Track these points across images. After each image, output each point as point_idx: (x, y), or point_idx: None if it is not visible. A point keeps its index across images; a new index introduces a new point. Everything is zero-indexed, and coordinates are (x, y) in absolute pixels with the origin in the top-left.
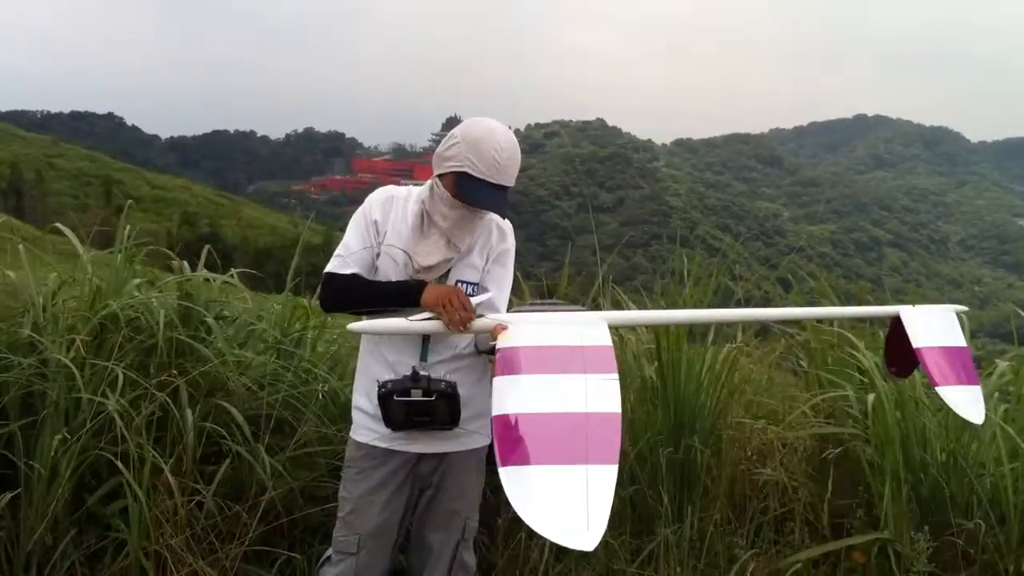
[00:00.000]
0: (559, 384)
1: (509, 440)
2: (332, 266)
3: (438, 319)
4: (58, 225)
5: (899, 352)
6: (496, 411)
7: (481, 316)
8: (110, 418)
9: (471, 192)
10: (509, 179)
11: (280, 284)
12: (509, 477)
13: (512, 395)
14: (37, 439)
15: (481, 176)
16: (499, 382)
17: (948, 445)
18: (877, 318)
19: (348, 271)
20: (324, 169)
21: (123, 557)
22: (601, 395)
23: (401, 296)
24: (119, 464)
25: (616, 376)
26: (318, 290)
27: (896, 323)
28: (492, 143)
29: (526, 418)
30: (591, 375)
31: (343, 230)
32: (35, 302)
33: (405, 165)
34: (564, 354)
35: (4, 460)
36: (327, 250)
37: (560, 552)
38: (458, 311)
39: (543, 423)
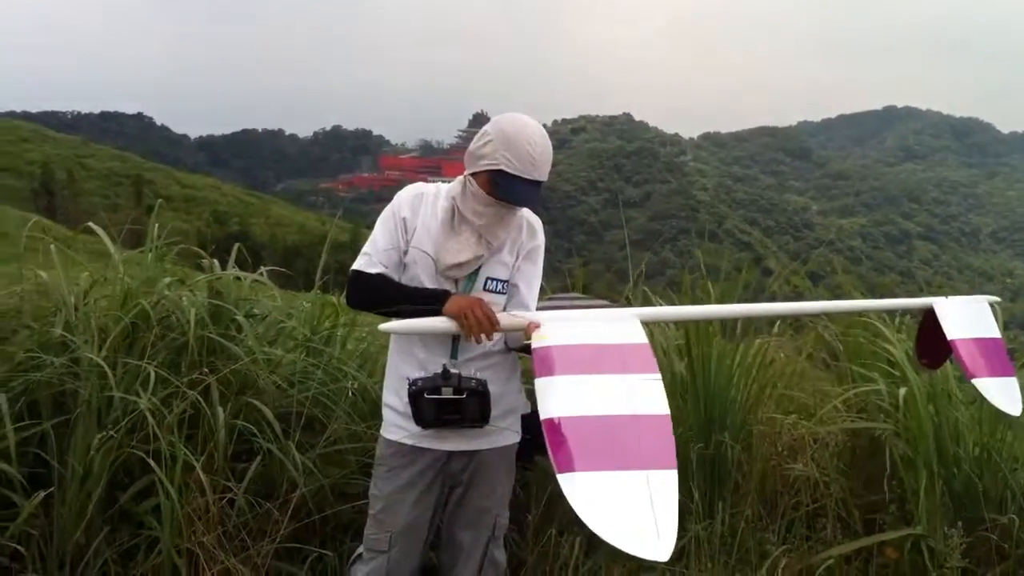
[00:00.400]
0: (601, 384)
1: (561, 445)
2: (359, 264)
3: None
4: (90, 225)
5: (931, 343)
6: (543, 415)
7: (512, 314)
8: (142, 416)
9: (507, 189)
10: (543, 174)
11: (309, 282)
12: (570, 485)
13: (554, 397)
14: (70, 438)
15: (516, 172)
16: (540, 384)
17: (981, 439)
18: (911, 311)
19: (374, 270)
20: (352, 167)
21: (156, 555)
22: (647, 396)
23: (425, 303)
24: (151, 462)
25: (659, 376)
26: (346, 287)
27: (929, 315)
28: (526, 138)
29: (576, 421)
30: (631, 375)
31: (370, 227)
32: (67, 301)
33: (433, 162)
34: (599, 352)
35: (37, 459)
36: (355, 247)
37: (590, 548)
38: (480, 323)
39: (593, 426)
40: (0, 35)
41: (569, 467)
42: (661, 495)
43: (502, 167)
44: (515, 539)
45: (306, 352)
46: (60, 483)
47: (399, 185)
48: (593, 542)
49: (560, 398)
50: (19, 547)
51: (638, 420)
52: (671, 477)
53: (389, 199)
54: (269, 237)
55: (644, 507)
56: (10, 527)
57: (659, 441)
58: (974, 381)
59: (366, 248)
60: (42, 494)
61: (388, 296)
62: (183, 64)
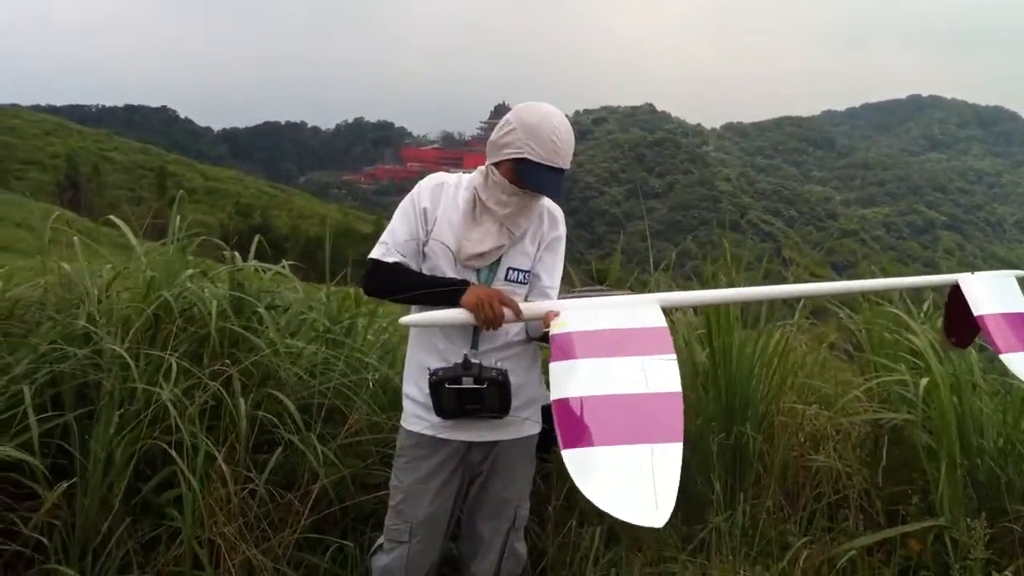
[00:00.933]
0: (617, 367)
1: (570, 424)
2: (376, 253)
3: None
4: (112, 217)
5: (958, 321)
6: (555, 395)
7: (531, 303)
8: (164, 407)
9: (531, 177)
10: (566, 161)
11: (331, 274)
12: (572, 460)
13: (570, 380)
14: (92, 429)
15: (540, 160)
16: (555, 368)
17: (1005, 430)
18: (937, 287)
19: (392, 259)
20: (374, 159)
21: (177, 545)
22: (661, 375)
23: (443, 293)
24: (173, 453)
25: (674, 357)
26: (363, 276)
27: (955, 292)
28: (549, 126)
29: (587, 401)
30: (648, 357)
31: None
32: (90, 293)
33: (454, 154)
34: (618, 337)
35: (60, 450)
36: (377, 239)
37: (611, 539)
38: (497, 315)
39: (604, 405)
40: (25, 30)
41: (573, 444)
42: (663, 466)
43: (525, 155)
44: (536, 530)
45: (326, 343)
46: (83, 474)
47: (421, 177)
48: (614, 533)
49: (573, 380)
50: (42, 538)
51: (648, 398)
52: (675, 449)
53: (411, 191)
54: (291, 229)
55: (646, 478)
56: (33, 518)
57: (668, 416)
58: (1003, 356)
59: (384, 237)
60: (64, 485)
61: (405, 285)
62: (206, 56)
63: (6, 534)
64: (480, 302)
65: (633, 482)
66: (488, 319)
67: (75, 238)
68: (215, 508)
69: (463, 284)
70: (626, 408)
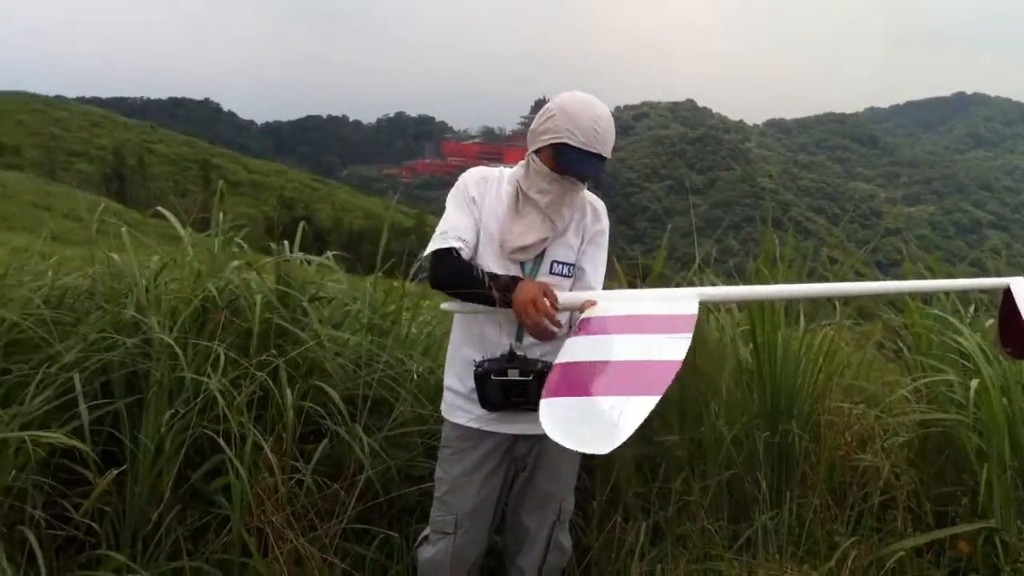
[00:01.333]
0: (629, 341)
1: (554, 380)
2: (437, 244)
3: None
4: (160, 208)
5: (1014, 329)
6: (558, 360)
7: (571, 293)
8: (212, 397)
9: (571, 161)
10: (607, 148)
11: (373, 266)
12: (547, 408)
13: (577, 349)
14: (142, 417)
15: (580, 145)
16: (570, 340)
17: None
18: (986, 291)
19: (455, 244)
20: (415, 153)
21: (226, 532)
22: (668, 348)
23: (500, 291)
24: (221, 442)
25: (689, 336)
26: (426, 268)
27: (1007, 297)
28: (590, 113)
29: (584, 365)
30: (664, 335)
31: (435, 213)
32: (138, 283)
33: (495, 149)
34: (644, 320)
35: (110, 437)
36: (419, 233)
37: (656, 535)
38: (537, 325)
39: (592, 368)
40: (70, 21)
41: (552, 394)
42: (630, 409)
43: (565, 140)
44: (580, 525)
45: (371, 335)
46: (132, 461)
47: (462, 171)
48: (659, 529)
49: (579, 349)
50: (93, 523)
51: (646, 364)
52: (650, 401)
53: (452, 185)
54: (333, 222)
55: (609, 416)
56: (84, 504)
57: (656, 377)
58: None
59: (442, 228)
60: (115, 472)
61: (466, 281)
62: (249, 52)
63: (59, 519)
64: (524, 307)
65: (596, 419)
66: (528, 328)
67: (123, 229)
68: (263, 497)
69: (514, 282)
70: (620, 371)
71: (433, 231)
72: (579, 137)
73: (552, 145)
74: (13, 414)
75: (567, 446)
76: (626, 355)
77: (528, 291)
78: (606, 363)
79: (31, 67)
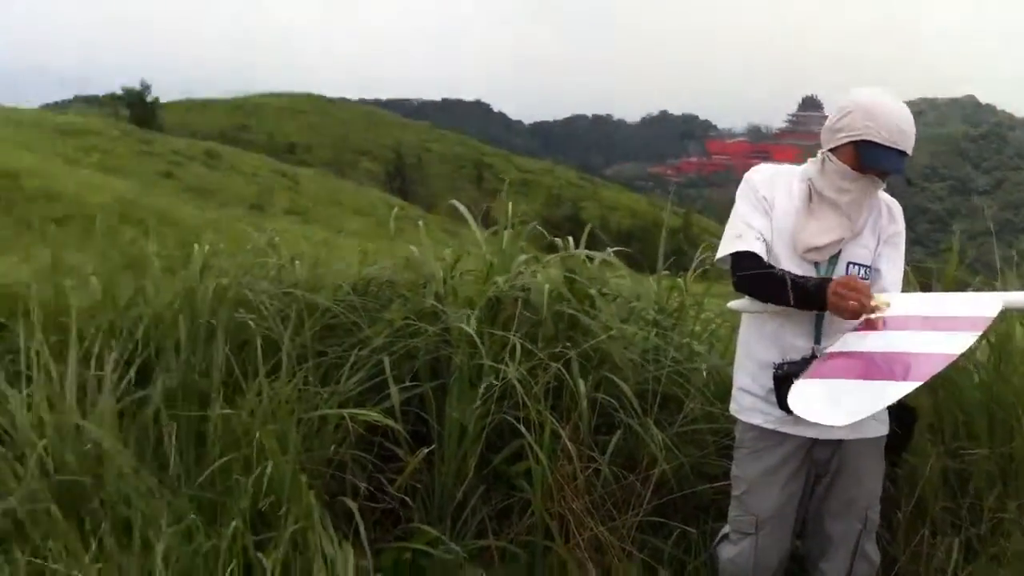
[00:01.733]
0: (910, 337)
1: (821, 369)
2: (737, 245)
3: None
4: (454, 202)
5: None
6: (832, 349)
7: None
8: (510, 384)
9: (876, 158)
10: (909, 144)
11: (647, 264)
12: (795, 389)
13: (853, 341)
14: (446, 400)
15: (883, 141)
16: (849, 335)
17: None
18: None
19: (754, 247)
20: (678, 151)
21: (528, 516)
22: (949, 343)
23: (805, 296)
24: (522, 428)
25: (976, 334)
26: (731, 271)
27: None
28: (892, 108)
29: (856, 354)
30: (952, 332)
31: (701, 212)
32: (436, 275)
33: (762, 147)
34: (936, 320)
35: (418, 417)
36: (687, 233)
37: (969, 553)
38: (857, 294)
39: (859, 357)
40: (356, 26)
41: (811, 376)
42: (881, 393)
43: (869, 137)
44: (885, 537)
45: (656, 331)
46: (439, 442)
47: (727, 171)
48: (972, 547)
49: (856, 341)
50: (406, 498)
51: (918, 355)
52: (908, 387)
53: (718, 184)
54: (600, 220)
55: (860, 395)
56: (397, 479)
57: (925, 366)
58: None
59: (737, 229)
60: (424, 451)
61: (771, 283)
62: (515, 52)
63: (377, 491)
64: (839, 301)
65: (845, 396)
66: (845, 309)
67: (419, 222)
68: (563, 483)
69: (824, 284)
70: (888, 360)
71: (707, 230)
72: (883, 133)
73: (853, 142)
74: (331, 392)
75: (798, 413)
76: (903, 348)
77: (838, 280)
78: (880, 353)
79: (315, 68)
